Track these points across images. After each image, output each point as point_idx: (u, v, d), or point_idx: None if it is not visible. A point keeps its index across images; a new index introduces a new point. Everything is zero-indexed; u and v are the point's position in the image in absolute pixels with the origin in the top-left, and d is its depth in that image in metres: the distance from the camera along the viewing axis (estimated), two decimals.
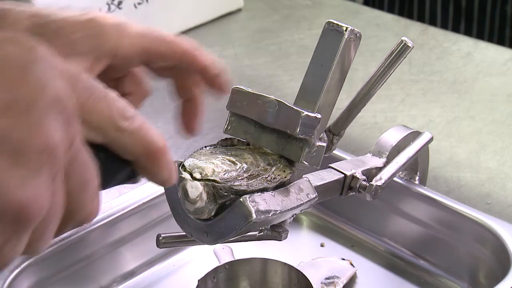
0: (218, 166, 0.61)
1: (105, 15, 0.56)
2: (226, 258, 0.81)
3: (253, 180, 0.61)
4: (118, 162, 0.45)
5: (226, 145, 0.66)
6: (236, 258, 0.81)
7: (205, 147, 0.65)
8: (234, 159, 0.62)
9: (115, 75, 0.58)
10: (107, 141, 0.43)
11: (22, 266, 0.76)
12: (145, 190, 0.84)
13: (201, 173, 0.60)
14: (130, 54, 0.56)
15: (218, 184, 0.59)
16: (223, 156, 0.63)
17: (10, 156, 0.37)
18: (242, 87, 0.65)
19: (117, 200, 0.83)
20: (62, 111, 0.39)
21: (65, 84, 0.40)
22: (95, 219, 0.80)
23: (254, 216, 0.58)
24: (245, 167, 0.62)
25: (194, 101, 0.61)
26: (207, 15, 1.34)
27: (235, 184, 0.60)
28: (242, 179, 0.61)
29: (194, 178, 0.59)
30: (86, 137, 0.42)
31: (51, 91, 0.38)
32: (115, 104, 0.43)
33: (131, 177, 0.46)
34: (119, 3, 1.22)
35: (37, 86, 0.38)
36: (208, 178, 0.60)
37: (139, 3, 1.23)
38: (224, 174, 0.60)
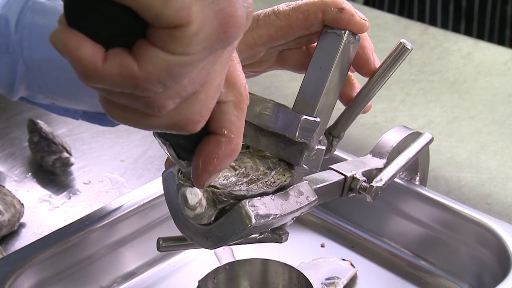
0: None
1: None
2: (227, 259, 0.81)
3: (253, 184, 0.61)
4: None
5: None
6: (237, 259, 0.81)
7: None
8: (233, 164, 0.61)
9: None
10: None
11: (23, 267, 0.76)
12: (145, 191, 0.85)
13: None
14: None
15: (218, 190, 0.58)
16: None
17: None
18: None
19: (117, 200, 0.83)
20: None
21: None
22: (96, 220, 0.80)
23: (253, 220, 0.58)
24: (245, 172, 0.61)
25: None
26: None
27: (235, 189, 0.59)
28: (242, 184, 0.60)
29: (193, 185, 0.59)
30: None
31: None
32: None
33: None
34: None
35: None
36: None
37: None
38: (223, 180, 0.60)
